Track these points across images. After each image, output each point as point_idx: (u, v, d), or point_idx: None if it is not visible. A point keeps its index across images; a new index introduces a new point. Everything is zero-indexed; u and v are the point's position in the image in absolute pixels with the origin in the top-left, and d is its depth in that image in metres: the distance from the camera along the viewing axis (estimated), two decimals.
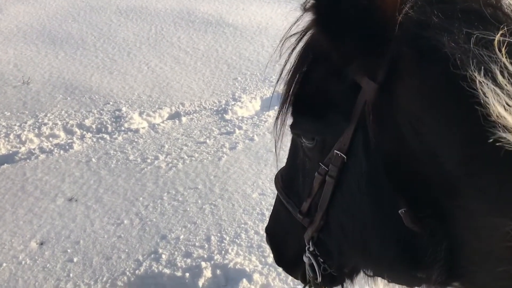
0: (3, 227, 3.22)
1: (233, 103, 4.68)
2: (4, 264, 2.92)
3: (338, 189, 1.03)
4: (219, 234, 3.12)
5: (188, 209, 3.35)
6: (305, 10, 1.07)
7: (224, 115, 4.49)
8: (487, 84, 0.75)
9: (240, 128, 4.28)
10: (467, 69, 0.76)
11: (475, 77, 0.76)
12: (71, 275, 2.83)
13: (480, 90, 0.75)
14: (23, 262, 2.94)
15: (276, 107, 1.24)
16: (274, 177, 1.34)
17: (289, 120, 1.14)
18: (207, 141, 4.11)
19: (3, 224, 3.25)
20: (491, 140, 0.74)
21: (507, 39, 0.77)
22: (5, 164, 3.85)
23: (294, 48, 1.11)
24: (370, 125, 0.92)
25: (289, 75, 1.11)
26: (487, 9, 0.83)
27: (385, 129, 0.91)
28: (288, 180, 1.25)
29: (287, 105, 1.12)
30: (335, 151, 1.00)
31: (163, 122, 4.44)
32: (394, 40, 0.87)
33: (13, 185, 3.62)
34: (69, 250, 3.02)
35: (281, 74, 1.15)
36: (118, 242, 3.07)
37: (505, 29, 0.78)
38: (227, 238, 3.06)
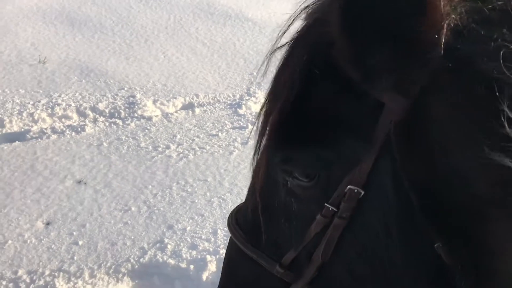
0: (11, 204, 3.21)
1: (247, 98, 4.65)
2: (10, 242, 2.91)
3: (350, 231, 0.87)
4: (226, 228, 3.09)
5: (196, 200, 3.32)
6: (308, 17, 0.90)
7: (238, 109, 4.46)
8: None
9: (253, 123, 4.23)
10: (501, 102, 0.70)
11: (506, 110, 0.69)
12: (75, 257, 2.82)
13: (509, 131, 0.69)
14: (28, 241, 2.93)
15: None
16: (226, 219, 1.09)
17: (274, 156, 0.91)
18: (219, 134, 4.09)
19: (11, 202, 3.24)
20: None
21: None
22: (17, 142, 3.85)
23: (285, 59, 0.92)
24: (397, 149, 0.80)
25: (278, 97, 0.90)
26: None
27: (414, 153, 0.79)
28: (253, 226, 1.01)
29: (271, 135, 0.91)
30: (349, 186, 0.84)
31: (176, 111, 4.41)
32: (435, 51, 0.74)
33: (23, 163, 3.61)
34: (74, 233, 3.00)
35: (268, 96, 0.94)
36: (124, 229, 3.05)
37: None
38: None
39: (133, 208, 3.22)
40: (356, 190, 0.84)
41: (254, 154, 1.00)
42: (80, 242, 2.93)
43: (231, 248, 1.08)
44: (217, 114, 4.39)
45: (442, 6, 0.74)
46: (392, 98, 0.79)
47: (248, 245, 1.01)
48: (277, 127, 0.90)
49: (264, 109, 0.95)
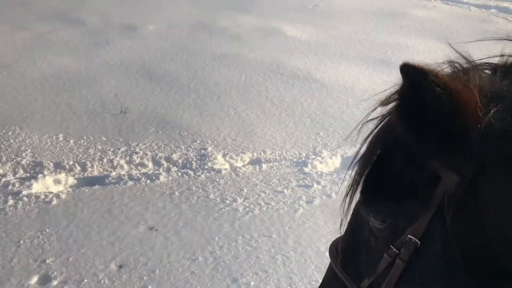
0: (88, 245, 3.43)
1: (313, 157, 4.74)
2: (85, 280, 3.09)
3: (408, 273, 1.04)
4: (289, 287, 3.11)
5: (261, 256, 3.38)
6: (382, 105, 1.13)
7: (304, 167, 4.55)
8: None
9: (318, 183, 4.31)
10: None
11: None
12: None
13: None
14: (102, 281, 3.09)
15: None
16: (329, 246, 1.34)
17: (360, 198, 1.15)
18: (285, 191, 4.18)
19: (88, 242, 3.45)
20: None
21: None
22: (96, 186, 4.13)
23: (372, 132, 1.15)
24: (448, 216, 0.94)
25: (365, 155, 1.14)
26: None
27: (464, 220, 0.92)
28: (346, 254, 1.25)
29: (358, 183, 1.14)
30: (409, 235, 1.01)
31: (244, 166, 4.57)
32: (478, 144, 0.91)
33: (101, 206, 3.86)
34: (145, 277, 3.14)
35: (357, 154, 1.18)
36: (191, 278, 3.15)
37: None
38: None
39: (200, 258, 3.33)
40: (414, 240, 1.01)
41: (345, 197, 1.21)
42: (149, 287, 3.05)
43: (329, 268, 1.34)
44: (283, 171, 4.50)
45: (478, 110, 0.91)
46: (447, 174, 0.96)
47: (340, 268, 1.24)
48: (364, 178, 1.14)
49: (358, 164, 1.18)
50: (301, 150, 4.88)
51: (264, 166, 4.57)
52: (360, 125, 1.24)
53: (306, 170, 4.52)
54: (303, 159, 4.72)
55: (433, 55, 7.28)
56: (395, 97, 1.03)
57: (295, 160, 4.71)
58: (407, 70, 0.93)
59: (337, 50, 7.69)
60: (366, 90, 6.13)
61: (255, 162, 4.67)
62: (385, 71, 6.81)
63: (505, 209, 0.88)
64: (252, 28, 8.70)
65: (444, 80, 0.91)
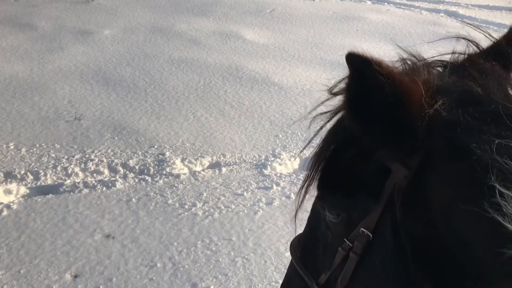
0: (41, 255, 3.30)
1: (272, 159, 4.76)
2: None
3: (361, 266, 1.04)
4: None
5: (221, 259, 3.36)
6: (332, 94, 1.14)
7: (263, 170, 4.57)
8: (506, 197, 0.80)
9: (278, 184, 4.33)
10: (491, 178, 0.81)
11: (496, 188, 0.80)
12: None
13: (501, 202, 0.80)
14: None
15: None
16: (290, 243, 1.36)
17: (315, 192, 1.16)
18: (245, 193, 4.17)
19: (41, 253, 3.33)
20: None
21: None
22: (50, 194, 4.00)
23: (323, 126, 1.17)
24: (398, 208, 0.95)
25: (318, 151, 1.15)
26: (511, 111, 0.88)
27: (413, 213, 0.93)
28: (305, 250, 1.26)
29: (313, 178, 1.15)
30: (362, 229, 1.02)
31: (203, 170, 4.54)
32: (424, 135, 0.92)
33: (55, 215, 3.74)
34: (101, 286, 3.05)
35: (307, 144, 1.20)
36: (149, 285, 3.09)
37: None
38: None
39: (158, 264, 3.28)
40: (366, 233, 1.02)
41: (300, 190, 1.22)
42: None
43: (290, 265, 1.35)
44: (243, 174, 4.50)
45: (423, 101, 0.92)
46: (396, 166, 0.97)
47: (300, 263, 1.26)
48: (319, 173, 1.15)
49: (312, 159, 1.19)
50: (260, 153, 4.90)
51: (223, 169, 4.55)
52: (311, 119, 1.25)
53: (266, 172, 4.53)
54: (263, 161, 4.73)
55: (387, 57, 7.47)
56: (343, 88, 1.04)
57: (254, 162, 4.71)
58: (352, 59, 0.93)
59: (295, 54, 7.78)
60: (323, 92, 6.21)
61: (214, 166, 4.65)
62: (342, 73, 6.92)
63: (450, 202, 0.88)
64: (210, 32, 8.68)
65: (388, 69, 0.92)
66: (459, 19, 10.11)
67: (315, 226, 1.22)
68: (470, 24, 1.27)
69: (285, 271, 1.37)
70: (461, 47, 1.13)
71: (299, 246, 1.29)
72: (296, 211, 1.29)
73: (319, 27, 9.37)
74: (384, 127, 0.95)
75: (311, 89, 6.47)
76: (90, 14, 9.67)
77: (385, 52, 7.94)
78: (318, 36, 8.77)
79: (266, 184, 4.33)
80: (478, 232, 0.85)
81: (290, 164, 4.75)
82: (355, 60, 0.93)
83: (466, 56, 1.09)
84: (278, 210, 3.96)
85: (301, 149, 4.99)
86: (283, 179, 4.43)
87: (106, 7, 10.18)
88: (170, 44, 7.95)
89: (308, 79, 6.80)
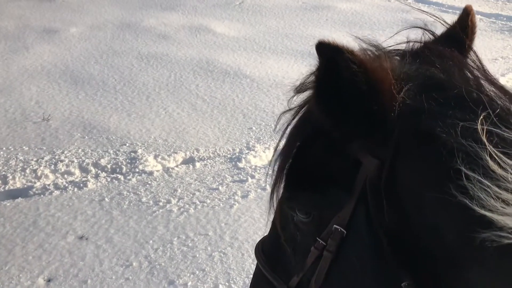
0: (12, 261, 3.22)
1: (246, 151, 4.74)
2: None
3: (336, 264, 1.02)
4: (227, 283, 3.09)
5: (198, 255, 3.33)
6: (297, 92, 1.11)
7: (238, 163, 4.54)
8: (472, 180, 0.80)
9: (253, 177, 4.31)
10: (457, 162, 0.82)
11: (463, 172, 0.81)
12: None
13: (467, 184, 0.80)
14: None
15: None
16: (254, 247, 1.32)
17: (282, 194, 1.12)
18: (220, 188, 4.15)
19: (12, 258, 3.24)
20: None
21: (492, 128, 0.83)
22: (19, 198, 3.89)
23: (289, 123, 1.13)
24: (371, 200, 0.94)
25: (285, 148, 1.11)
26: (472, 94, 0.89)
27: (386, 204, 0.92)
28: (272, 253, 1.22)
29: (281, 179, 1.11)
30: (335, 225, 1.00)
31: (177, 166, 4.49)
32: (394, 123, 0.91)
33: (26, 219, 3.64)
34: None
35: (276, 147, 1.16)
36: (125, 284, 3.04)
37: (492, 117, 0.84)
38: None
39: (134, 264, 3.23)
40: (340, 230, 0.99)
41: (271, 193, 1.17)
42: None
43: (257, 270, 1.30)
44: (217, 168, 4.47)
45: (392, 89, 0.91)
46: (367, 158, 0.95)
47: (267, 267, 1.21)
48: (285, 172, 1.10)
49: (278, 158, 1.14)
50: (234, 146, 4.87)
51: (197, 164, 4.51)
52: (280, 117, 1.22)
53: (240, 165, 4.51)
54: (237, 154, 4.71)
55: (357, 45, 7.51)
56: (312, 81, 1.01)
57: (229, 156, 4.69)
58: (323, 48, 0.90)
59: (266, 45, 7.75)
60: (295, 83, 6.22)
61: (188, 161, 4.60)
62: (313, 63, 6.93)
63: (419, 189, 0.88)
64: (179, 26, 8.57)
65: (360, 58, 0.90)
66: (427, 5, 10.24)
67: (283, 227, 1.17)
68: (424, 11, 1.27)
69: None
70: (419, 35, 1.13)
71: (265, 249, 1.25)
72: (268, 217, 1.24)
73: (289, 17, 9.35)
74: (356, 118, 0.93)
75: (283, 80, 6.46)
76: (55, 12, 9.42)
77: (356, 41, 7.99)
78: (288, 27, 8.76)
79: (241, 177, 4.31)
80: (448, 218, 0.84)
81: (265, 156, 4.74)
82: (326, 49, 0.90)
83: (422, 44, 1.09)
84: (254, 202, 3.95)
85: (275, 140, 4.98)
86: (258, 171, 4.41)
87: (71, 4, 9.93)
88: (139, 40, 7.82)
89: (279, 70, 6.78)
